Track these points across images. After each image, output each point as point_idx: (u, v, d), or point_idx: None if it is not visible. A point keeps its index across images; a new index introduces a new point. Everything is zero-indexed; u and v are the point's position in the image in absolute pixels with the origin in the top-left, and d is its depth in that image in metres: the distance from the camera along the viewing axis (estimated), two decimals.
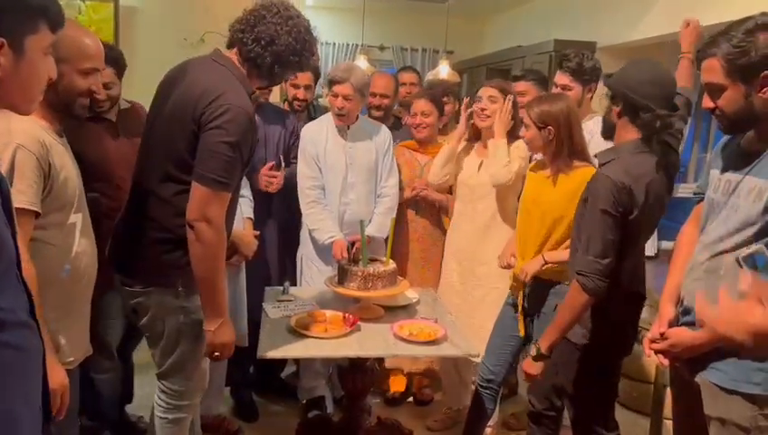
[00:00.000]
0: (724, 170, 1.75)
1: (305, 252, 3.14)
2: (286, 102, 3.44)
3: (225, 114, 1.86)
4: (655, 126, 2.01)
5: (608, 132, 2.17)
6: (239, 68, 2.02)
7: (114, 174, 2.51)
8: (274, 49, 1.98)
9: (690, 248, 1.85)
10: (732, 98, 1.59)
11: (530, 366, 2.17)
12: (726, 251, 1.65)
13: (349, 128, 3.04)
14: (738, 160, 1.71)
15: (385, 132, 3.18)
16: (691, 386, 1.76)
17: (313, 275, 3.08)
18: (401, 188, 3.24)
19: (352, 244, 2.83)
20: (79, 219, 1.80)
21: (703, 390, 1.70)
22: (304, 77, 3.23)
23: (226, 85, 1.92)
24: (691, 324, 1.70)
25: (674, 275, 1.89)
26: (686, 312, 1.76)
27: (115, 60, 2.55)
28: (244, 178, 2.86)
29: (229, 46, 2.06)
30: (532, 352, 2.15)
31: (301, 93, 3.28)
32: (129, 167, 2.26)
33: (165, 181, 1.98)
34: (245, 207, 2.84)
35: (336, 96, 2.95)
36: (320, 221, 2.98)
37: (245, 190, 2.86)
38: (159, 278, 2.01)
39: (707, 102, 1.65)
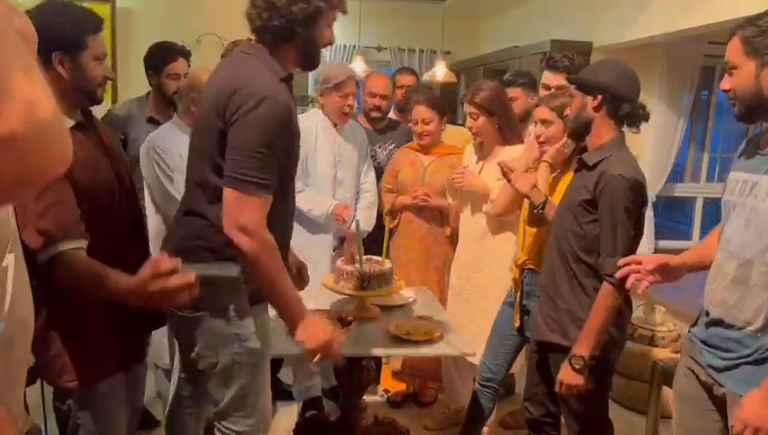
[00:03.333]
0: (740, 171, 1.75)
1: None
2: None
3: (249, 104, 1.63)
4: (638, 115, 2.10)
5: (579, 131, 2.18)
6: (267, 54, 1.79)
7: (111, 212, 1.80)
8: (277, 6, 1.73)
9: (713, 248, 1.86)
10: (742, 77, 1.63)
11: (572, 377, 2.06)
12: (753, 260, 1.63)
13: (336, 125, 3.11)
14: (755, 161, 1.71)
15: (361, 130, 3.31)
16: (713, 396, 1.78)
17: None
18: (403, 189, 3.26)
19: (342, 239, 2.89)
20: (11, 261, 1.33)
21: (730, 402, 1.70)
22: None
23: (250, 73, 1.71)
24: (717, 326, 1.74)
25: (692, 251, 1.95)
26: (714, 323, 1.76)
27: (97, 19, 1.79)
28: None
29: (257, 39, 1.85)
30: (574, 363, 2.05)
31: None
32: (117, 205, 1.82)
33: (201, 193, 1.78)
34: None
35: (347, 96, 3.02)
36: (312, 199, 3.03)
37: None
38: (208, 302, 1.75)
39: (725, 84, 1.68)
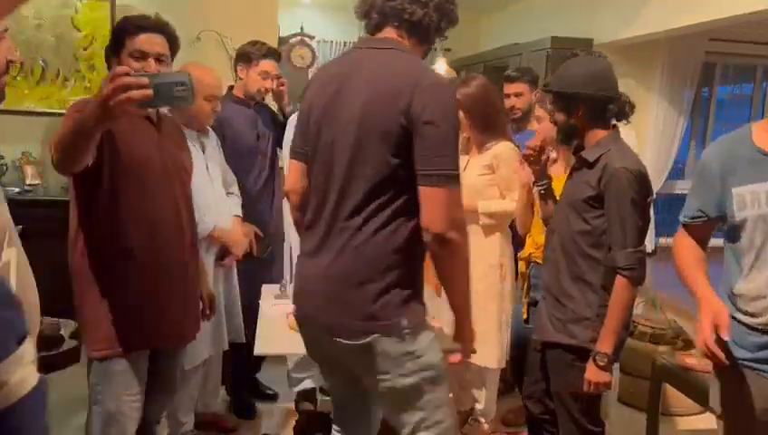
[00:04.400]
0: (764, 182, 1.72)
1: (293, 242, 3.20)
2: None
3: (440, 98, 1.60)
4: (626, 110, 2.10)
5: (568, 138, 2.18)
6: (408, 48, 1.72)
7: (159, 187, 2.03)
8: (437, 1, 1.70)
9: (699, 259, 1.87)
10: None
11: (599, 375, 2.04)
12: None
13: None
14: None
15: None
16: None
17: None
18: None
19: None
20: (13, 255, 1.27)
21: None
22: (274, 65, 3.13)
23: (417, 65, 1.68)
24: None
25: (702, 282, 1.81)
26: None
27: (142, 22, 2.05)
28: (233, 176, 2.90)
29: (379, 27, 1.75)
30: (599, 361, 2.04)
31: (269, 83, 3.13)
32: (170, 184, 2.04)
33: (366, 206, 1.64)
34: (235, 205, 2.85)
35: None
36: None
37: (234, 188, 2.88)
38: (381, 323, 1.66)
39: None
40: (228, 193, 2.83)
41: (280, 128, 3.23)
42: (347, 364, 1.79)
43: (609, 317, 2.03)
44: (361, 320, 1.66)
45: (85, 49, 4.30)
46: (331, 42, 7.45)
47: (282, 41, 5.62)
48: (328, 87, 1.72)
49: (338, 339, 1.69)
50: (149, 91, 1.43)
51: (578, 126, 2.13)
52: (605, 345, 2.03)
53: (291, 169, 1.88)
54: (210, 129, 2.80)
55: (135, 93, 1.41)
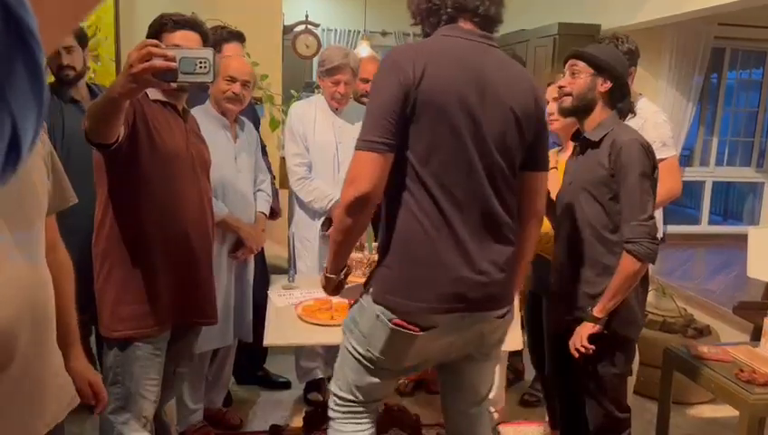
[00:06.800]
0: None
1: (296, 231, 3.18)
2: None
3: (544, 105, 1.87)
4: (628, 110, 2.14)
5: (582, 111, 2.15)
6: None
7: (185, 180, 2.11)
8: None
9: None
10: None
11: (587, 329, 2.10)
12: None
13: (337, 109, 3.11)
14: None
15: None
16: None
17: (306, 251, 3.13)
18: None
19: (329, 220, 2.93)
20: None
21: None
22: (237, 48, 3.11)
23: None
24: None
25: None
26: None
27: (178, 18, 2.18)
28: (266, 174, 2.89)
29: (451, 20, 1.80)
30: (588, 322, 2.10)
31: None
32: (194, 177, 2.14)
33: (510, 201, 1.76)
34: (262, 201, 2.84)
35: (338, 83, 2.98)
36: (314, 190, 3.01)
37: (264, 185, 2.87)
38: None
39: None
40: (258, 190, 2.83)
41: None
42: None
43: (611, 283, 2.05)
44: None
45: (89, 39, 4.28)
46: (336, 30, 7.41)
47: (286, 29, 5.59)
48: (464, 81, 1.66)
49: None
50: (173, 64, 1.50)
51: (591, 100, 2.12)
52: (596, 309, 2.08)
53: (366, 164, 1.57)
54: (250, 123, 2.81)
55: (157, 62, 1.50)
